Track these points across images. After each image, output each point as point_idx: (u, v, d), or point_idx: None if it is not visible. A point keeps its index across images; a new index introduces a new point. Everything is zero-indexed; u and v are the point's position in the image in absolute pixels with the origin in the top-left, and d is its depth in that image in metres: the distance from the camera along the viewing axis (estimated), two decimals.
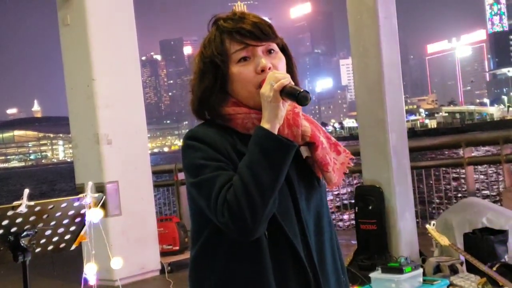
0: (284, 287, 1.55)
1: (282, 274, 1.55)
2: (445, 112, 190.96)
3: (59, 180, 75.76)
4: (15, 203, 2.60)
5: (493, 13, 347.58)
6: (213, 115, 1.63)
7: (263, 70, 1.58)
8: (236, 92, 1.61)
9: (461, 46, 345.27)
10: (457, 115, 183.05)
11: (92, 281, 3.40)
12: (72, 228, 2.89)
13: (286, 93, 1.52)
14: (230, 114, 1.61)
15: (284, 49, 1.67)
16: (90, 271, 3.35)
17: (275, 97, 1.50)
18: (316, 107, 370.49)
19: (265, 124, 1.51)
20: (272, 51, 1.63)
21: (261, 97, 1.53)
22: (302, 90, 1.50)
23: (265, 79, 1.55)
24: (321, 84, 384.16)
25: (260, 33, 1.60)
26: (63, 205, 2.80)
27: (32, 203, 2.62)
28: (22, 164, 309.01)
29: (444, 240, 4.72)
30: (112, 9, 6.63)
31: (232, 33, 1.60)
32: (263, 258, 1.54)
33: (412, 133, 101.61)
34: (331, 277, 1.64)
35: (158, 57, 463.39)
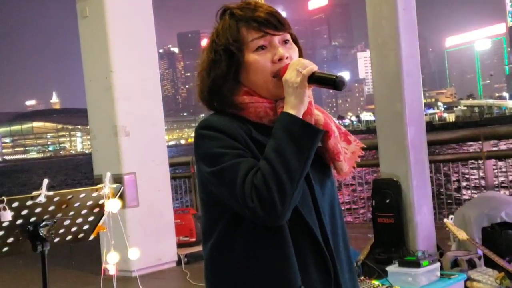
0: (305, 273, 1.55)
1: (303, 259, 1.55)
2: (464, 106, 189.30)
3: (77, 171, 76.29)
4: (34, 193, 2.63)
5: None
6: (224, 105, 1.61)
7: (280, 59, 1.59)
8: (251, 81, 1.61)
9: (481, 40, 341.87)
10: (476, 109, 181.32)
11: (112, 271, 3.42)
12: (91, 219, 2.92)
13: (317, 78, 1.53)
14: (243, 103, 1.60)
15: (295, 42, 1.67)
16: (111, 260, 3.38)
17: (302, 83, 1.52)
18: (333, 100, 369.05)
19: (290, 110, 1.52)
20: (288, 41, 1.64)
21: (284, 83, 1.54)
22: (338, 74, 1.52)
23: (286, 67, 1.56)
24: None
25: (277, 22, 1.61)
26: (82, 195, 2.82)
27: (51, 193, 2.65)
28: (41, 155, 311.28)
29: (462, 234, 4.69)
30: (130, 1, 6.65)
31: (250, 22, 1.60)
32: (286, 245, 1.53)
33: (430, 126, 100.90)
34: (344, 265, 1.65)
35: (176, 49, 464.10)
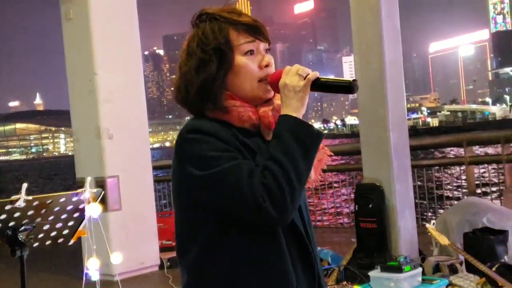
0: (296, 276, 1.57)
1: (294, 263, 1.57)
2: (447, 111, 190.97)
3: (59, 174, 75.74)
4: (13, 197, 2.59)
5: (496, 12, 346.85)
6: (211, 106, 1.60)
7: (266, 66, 1.63)
8: (236, 84, 1.62)
9: (464, 45, 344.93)
10: (459, 114, 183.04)
11: (95, 276, 3.39)
12: (71, 223, 2.88)
13: (323, 83, 1.58)
14: (228, 106, 1.60)
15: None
16: (93, 266, 3.35)
17: (306, 87, 1.56)
18: (318, 103, 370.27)
19: (292, 113, 1.55)
20: (268, 50, 1.68)
21: (283, 87, 1.57)
22: (352, 79, 1.58)
23: (278, 72, 1.61)
24: None
25: (264, 30, 1.65)
26: (62, 200, 2.79)
27: (30, 197, 2.61)
28: (24, 157, 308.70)
29: (443, 240, 4.72)
30: (115, 4, 6.61)
31: (239, 26, 1.62)
32: (282, 249, 1.55)
33: (414, 131, 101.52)
34: (319, 266, 1.69)
35: (161, 51, 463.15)
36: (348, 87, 1.56)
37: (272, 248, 1.55)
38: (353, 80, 1.56)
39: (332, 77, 1.60)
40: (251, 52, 1.62)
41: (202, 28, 1.64)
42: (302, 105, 1.57)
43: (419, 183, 7.93)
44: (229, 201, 1.49)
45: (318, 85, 1.58)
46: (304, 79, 1.57)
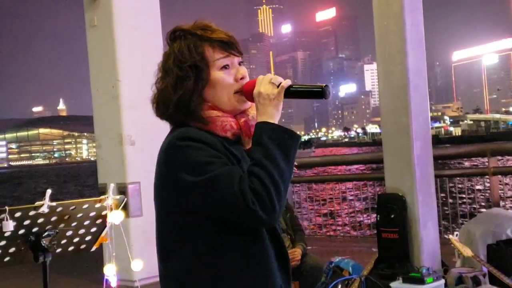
0: (278, 276, 1.68)
1: (275, 264, 1.68)
2: (470, 120, 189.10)
3: (82, 179, 76.34)
4: (37, 203, 2.61)
5: None
6: (191, 119, 1.67)
7: (242, 78, 1.72)
8: (215, 97, 1.70)
9: (488, 54, 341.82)
10: (482, 123, 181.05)
11: (114, 282, 3.40)
12: (93, 229, 2.90)
13: (296, 90, 1.65)
14: (210, 117, 1.68)
15: None
16: (110, 272, 3.36)
17: (280, 94, 1.64)
18: (339, 111, 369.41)
19: (269, 120, 1.63)
20: (242, 63, 1.76)
21: (258, 96, 1.65)
22: (324, 84, 1.64)
23: (250, 82, 1.69)
24: (345, 89, 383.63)
25: (238, 45, 1.74)
26: (85, 206, 2.81)
27: (54, 203, 2.63)
28: (46, 161, 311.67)
29: (467, 251, 4.66)
30: (138, 11, 6.66)
31: (214, 42, 1.70)
32: (267, 244, 1.66)
33: (436, 140, 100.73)
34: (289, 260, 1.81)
35: None
36: (320, 93, 1.62)
37: (259, 248, 1.64)
38: (325, 85, 1.62)
39: (305, 83, 1.68)
40: (226, 66, 1.70)
41: (177, 45, 1.71)
42: (277, 111, 1.65)
43: (442, 194, 7.85)
44: (223, 205, 1.55)
45: (291, 92, 1.65)
46: (278, 87, 1.64)
